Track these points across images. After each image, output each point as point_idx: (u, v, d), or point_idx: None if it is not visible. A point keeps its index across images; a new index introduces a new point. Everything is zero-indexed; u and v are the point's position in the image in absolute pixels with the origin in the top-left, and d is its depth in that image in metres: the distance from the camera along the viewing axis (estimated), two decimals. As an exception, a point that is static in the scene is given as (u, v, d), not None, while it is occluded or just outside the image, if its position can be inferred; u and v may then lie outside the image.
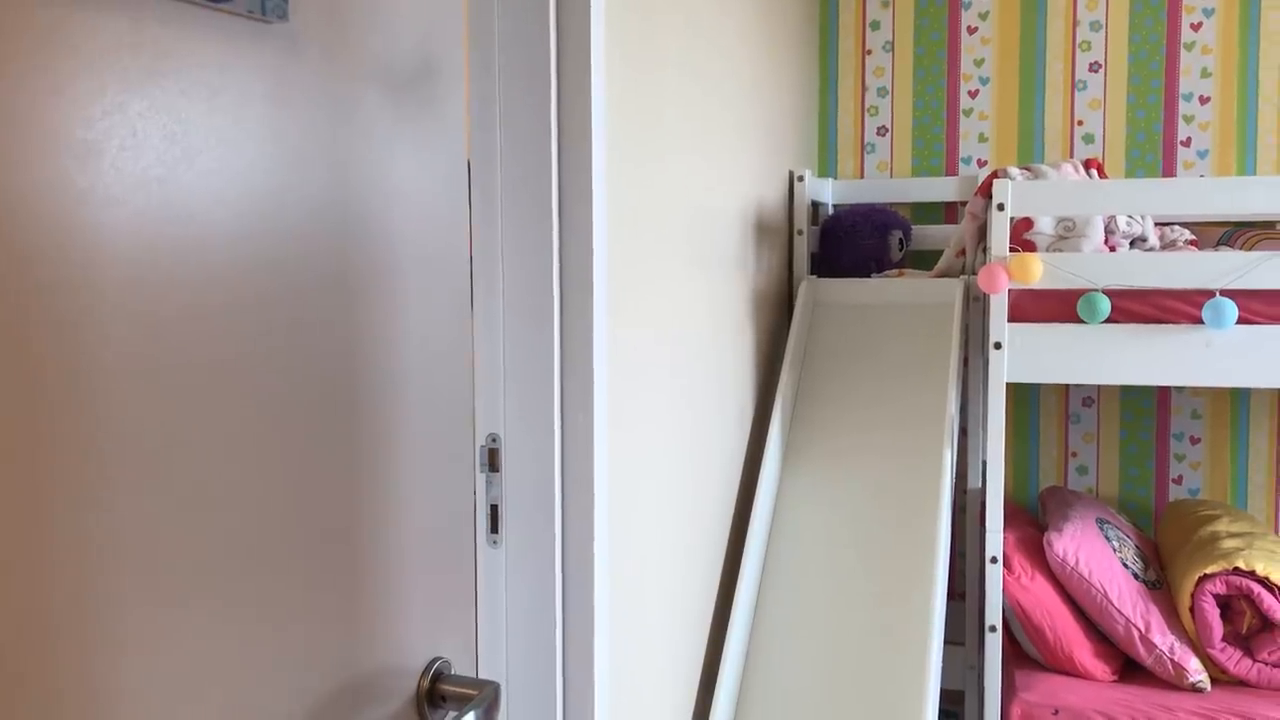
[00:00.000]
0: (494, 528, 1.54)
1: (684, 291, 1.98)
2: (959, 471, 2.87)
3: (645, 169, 1.77)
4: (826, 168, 3.16)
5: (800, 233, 2.83)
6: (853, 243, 2.84)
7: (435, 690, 0.87)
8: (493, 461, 1.54)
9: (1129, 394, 2.95)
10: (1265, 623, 2.20)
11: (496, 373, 1.54)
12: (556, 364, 1.57)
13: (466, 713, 0.80)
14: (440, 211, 0.91)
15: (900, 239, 2.87)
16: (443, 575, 0.91)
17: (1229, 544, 2.30)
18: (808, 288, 2.69)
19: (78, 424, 0.61)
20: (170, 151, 0.66)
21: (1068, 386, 2.99)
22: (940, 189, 3.01)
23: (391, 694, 0.85)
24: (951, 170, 3.06)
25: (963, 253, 2.60)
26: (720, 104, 2.19)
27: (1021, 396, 3.01)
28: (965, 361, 2.72)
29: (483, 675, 1.51)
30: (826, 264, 2.89)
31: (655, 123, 1.81)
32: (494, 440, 1.54)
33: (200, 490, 0.69)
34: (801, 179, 2.81)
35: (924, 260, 3.03)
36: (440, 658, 0.89)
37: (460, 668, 0.91)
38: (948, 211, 3.07)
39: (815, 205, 2.99)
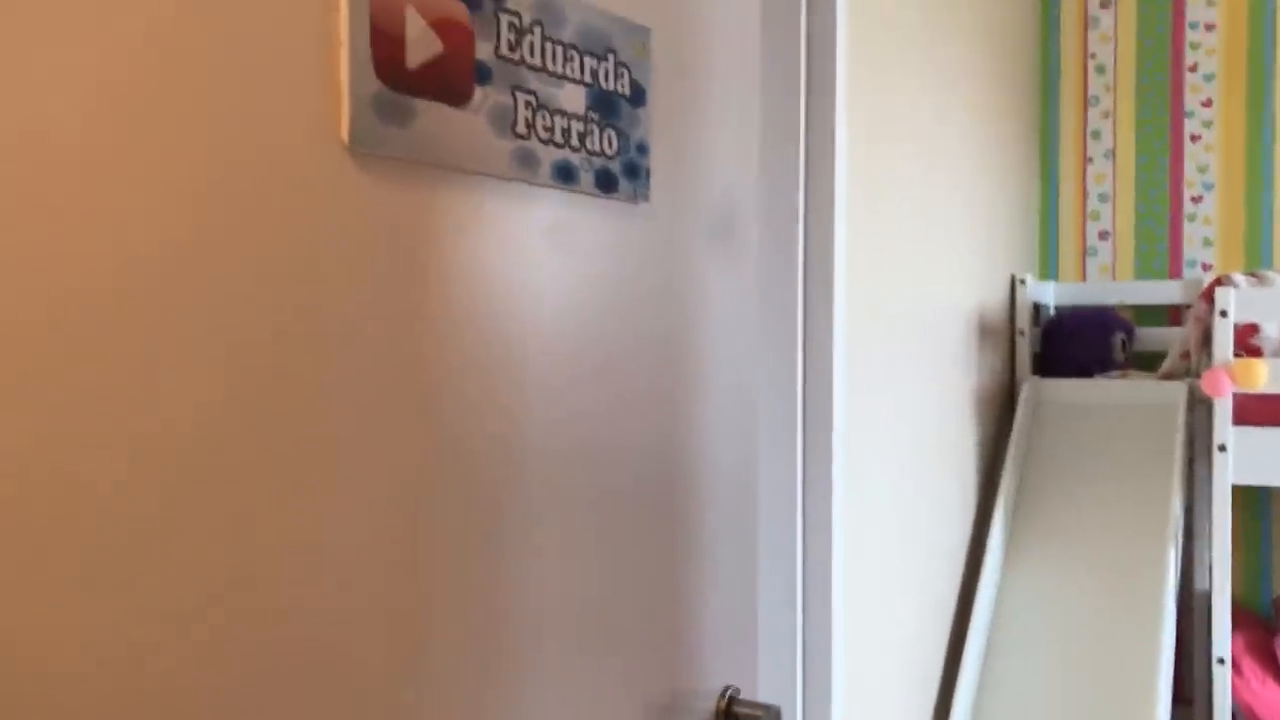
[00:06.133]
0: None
1: (910, 389, 2.17)
2: (1187, 574, 2.88)
3: (878, 271, 1.98)
4: (1048, 270, 3.28)
5: (1022, 334, 2.96)
6: (1076, 344, 2.95)
7: (730, 712, 1.09)
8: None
9: (1369, 500, 2.89)
10: None
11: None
12: (799, 457, 1.78)
13: (760, 733, 1.02)
14: (738, 332, 1.17)
15: (1123, 340, 2.95)
16: (735, 615, 1.14)
17: None
18: (1031, 387, 2.81)
19: (488, 483, 0.88)
20: (580, 291, 0.94)
21: (1301, 490, 2.96)
22: (1164, 292, 3.08)
23: (694, 714, 1.08)
24: (1175, 274, 3.13)
25: (1188, 355, 2.67)
26: (944, 209, 2.39)
27: (1250, 500, 3.00)
28: (1191, 463, 2.76)
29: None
30: (1049, 364, 3.00)
31: (887, 228, 2.03)
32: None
33: (562, 545, 0.94)
34: (1023, 282, 2.95)
35: (1148, 362, 3.09)
36: (732, 685, 1.12)
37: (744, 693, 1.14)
38: (1172, 314, 3.13)
39: (1037, 307, 3.11)
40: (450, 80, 0.83)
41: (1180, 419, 2.61)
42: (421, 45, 0.80)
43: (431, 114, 0.81)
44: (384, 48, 0.77)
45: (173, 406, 0.65)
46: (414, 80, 0.80)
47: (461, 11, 0.83)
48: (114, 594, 0.63)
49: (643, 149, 1.01)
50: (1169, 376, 2.75)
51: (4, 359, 0.58)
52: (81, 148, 0.61)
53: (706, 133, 1.12)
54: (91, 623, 0.62)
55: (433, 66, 0.81)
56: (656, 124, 1.04)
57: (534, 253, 0.90)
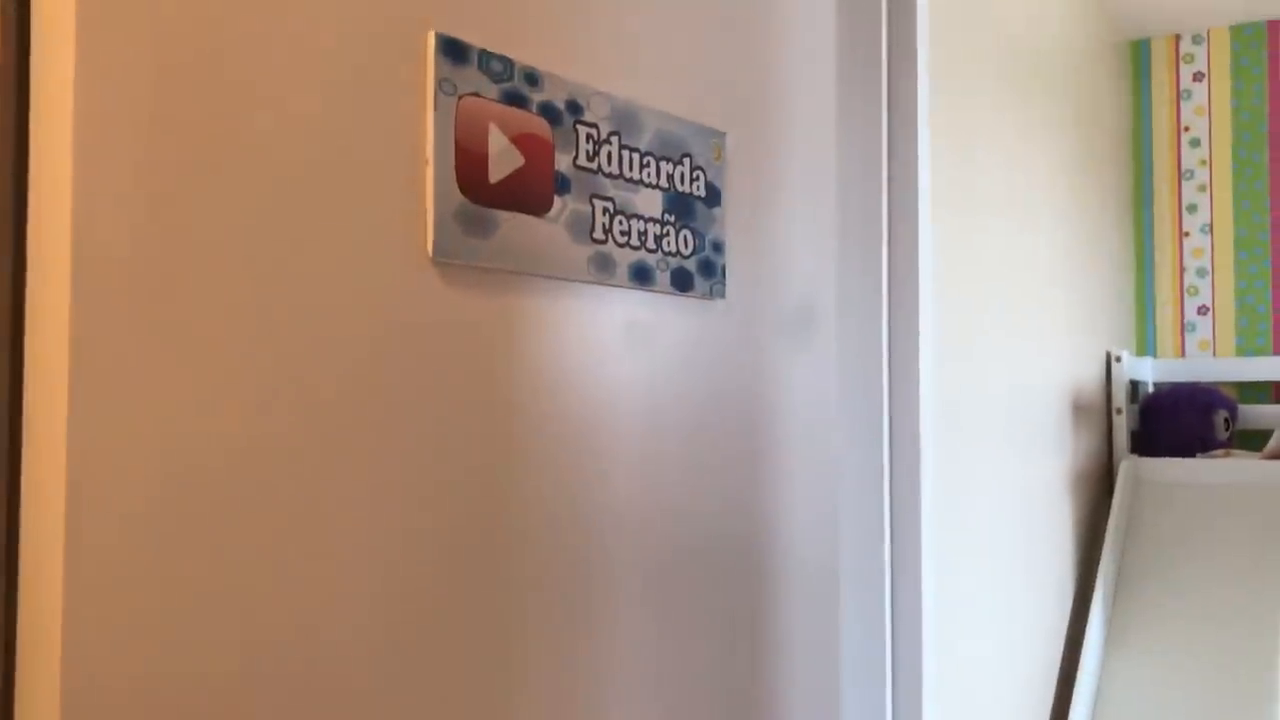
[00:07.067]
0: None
1: (1004, 469, 2.13)
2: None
3: (967, 352, 1.97)
4: (1145, 346, 3.20)
5: (1119, 412, 2.90)
6: (1175, 422, 2.86)
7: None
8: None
9: None
10: None
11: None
12: (887, 545, 1.77)
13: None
14: (819, 422, 1.17)
15: (1226, 418, 2.86)
16: (818, 709, 1.13)
17: None
18: (1128, 467, 2.74)
19: (564, 581, 0.89)
20: (659, 375, 0.96)
21: None
22: (1268, 368, 2.98)
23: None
24: (1280, 349, 3.03)
25: (1296, 434, 2.57)
26: (1035, 286, 2.37)
27: (1372, 585, 2.85)
28: (1303, 546, 2.65)
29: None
30: (1148, 443, 2.92)
31: (975, 308, 2.02)
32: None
33: (637, 645, 0.95)
34: (1119, 359, 2.89)
35: (1252, 441, 2.99)
36: (815, 784, 1.11)
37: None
38: (1277, 391, 3.03)
39: (1134, 384, 3.04)
40: (531, 192, 0.87)
41: (1289, 501, 2.51)
42: (504, 160, 0.84)
43: (512, 224, 0.85)
44: (468, 164, 0.82)
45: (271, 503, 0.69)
46: (496, 193, 0.84)
47: (542, 126, 0.87)
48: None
49: (718, 247, 1.04)
50: (1275, 456, 2.65)
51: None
52: (227, 262, 0.66)
53: (783, 227, 1.15)
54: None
55: (514, 179, 0.85)
56: (732, 222, 1.07)
57: (612, 350, 0.93)
